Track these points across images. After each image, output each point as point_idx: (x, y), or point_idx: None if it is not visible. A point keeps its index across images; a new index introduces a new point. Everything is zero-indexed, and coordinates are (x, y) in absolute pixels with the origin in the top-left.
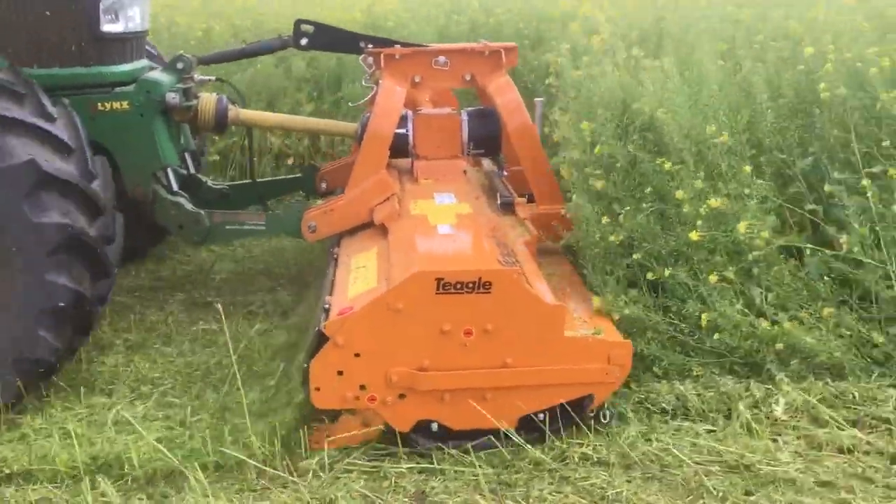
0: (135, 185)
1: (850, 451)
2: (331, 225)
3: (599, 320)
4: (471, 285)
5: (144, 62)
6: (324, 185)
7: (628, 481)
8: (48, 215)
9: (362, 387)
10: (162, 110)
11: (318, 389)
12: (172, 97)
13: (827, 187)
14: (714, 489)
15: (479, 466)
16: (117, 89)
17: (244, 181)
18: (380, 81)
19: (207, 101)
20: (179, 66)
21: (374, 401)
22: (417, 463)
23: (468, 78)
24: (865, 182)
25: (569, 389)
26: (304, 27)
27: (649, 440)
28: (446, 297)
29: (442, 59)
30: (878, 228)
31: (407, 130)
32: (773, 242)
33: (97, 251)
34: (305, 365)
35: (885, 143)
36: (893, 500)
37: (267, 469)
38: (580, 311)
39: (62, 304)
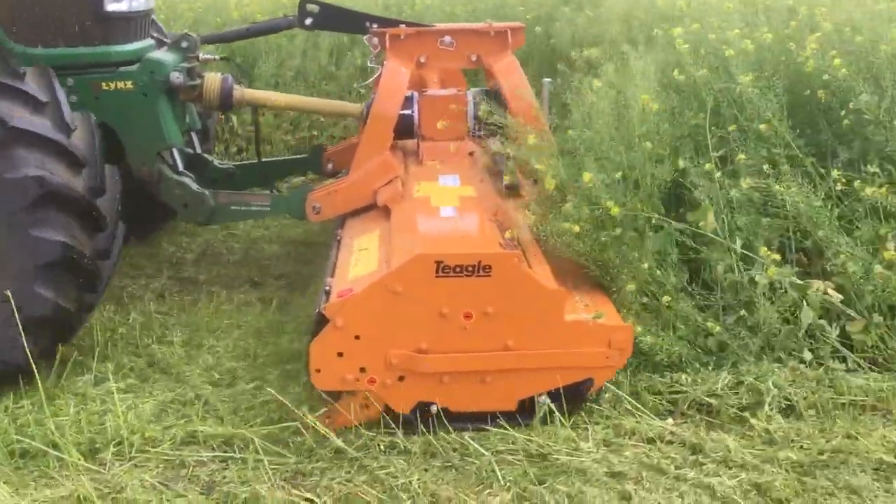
0: (140, 164)
1: (652, 441)
2: (334, 206)
3: (601, 304)
4: (470, 268)
5: (149, 41)
6: (330, 166)
7: (426, 470)
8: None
9: (362, 369)
10: (166, 90)
11: (318, 371)
12: (176, 77)
13: (681, 163)
14: (504, 478)
15: (282, 455)
16: (121, 69)
17: (251, 161)
18: (384, 62)
19: (212, 80)
20: (184, 45)
21: (373, 383)
22: (213, 451)
23: (474, 58)
24: (709, 165)
25: (569, 373)
26: (310, 6)
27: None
28: (446, 280)
29: (447, 39)
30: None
31: (412, 111)
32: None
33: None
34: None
35: (732, 127)
36: (677, 490)
37: (65, 457)
38: (582, 295)
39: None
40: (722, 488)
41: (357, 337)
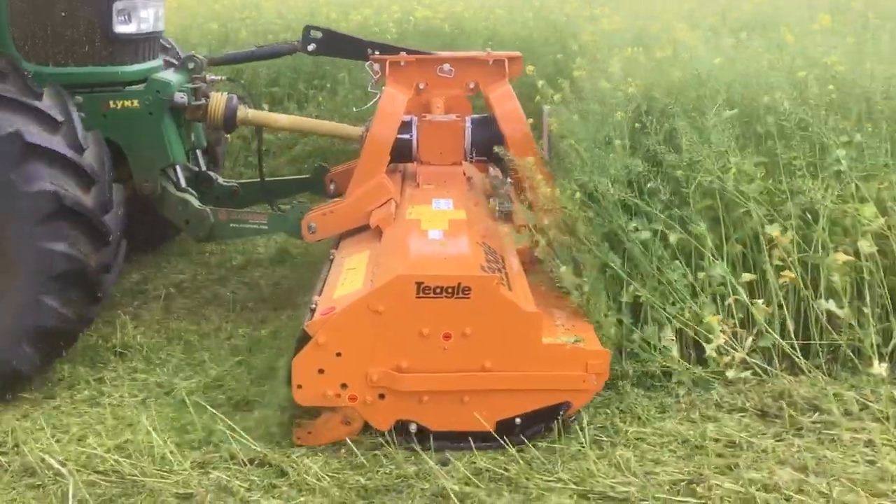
0: (143, 180)
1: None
2: (330, 226)
3: (581, 329)
4: (450, 290)
5: (157, 62)
6: (332, 187)
7: None
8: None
9: (343, 385)
10: (171, 109)
11: (300, 387)
12: (181, 97)
13: None
14: None
15: None
16: (128, 88)
17: (254, 179)
18: (384, 88)
19: (217, 100)
20: (190, 66)
21: (354, 400)
22: None
23: (472, 86)
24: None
25: (546, 395)
26: (314, 33)
27: None
28: (426, 301)
29: (447, 66)
30: None
31: (411, 136)
32: None
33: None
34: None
35: None
36: None
37: None
38: (564, 320)
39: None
40: None
41: (338, 354)
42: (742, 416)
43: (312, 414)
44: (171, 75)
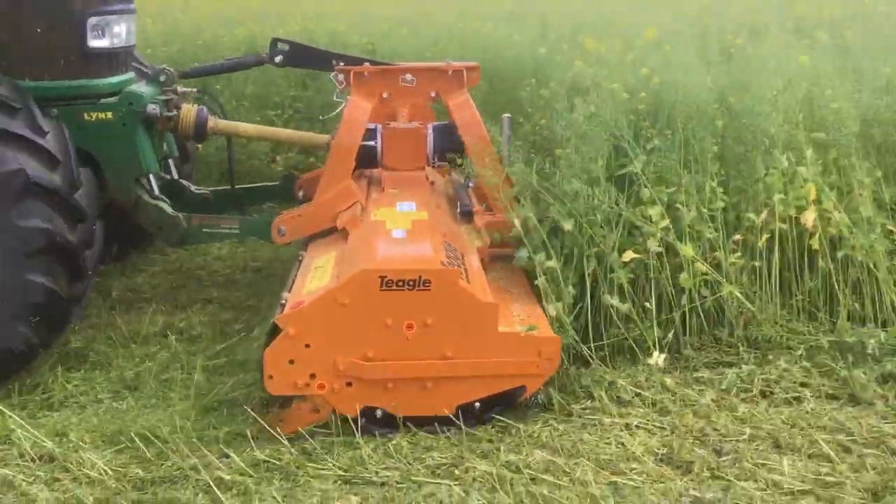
0: (117, 189)
1: None
2: (298, 229)
3: (535, 318)
4: (412, 283)
5: (130, 75)
6: (301, 193)
7: None
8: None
9: (312, 375)
10: (144, 120)
11: (271, 377)
12: (153, 108)
13: None
14: None
15: None
16: (102, 101)
17: (225, 187)
18: (348, 97)
19: (188, 111)
20: (162, 78)
21: (323, 388)
22: None
23: (433, 94)
24: None
25: (503, 380)
26: (280, 45)
27: None
28: (389, 293)
29: (409, 77)
30: None
31: (376, 143)
32: None
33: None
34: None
35: None
36: None
37: None
38: (521, 311)
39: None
40: None
41: (307, 345)
42: (523, 406)
43: None
44: (143, 88)
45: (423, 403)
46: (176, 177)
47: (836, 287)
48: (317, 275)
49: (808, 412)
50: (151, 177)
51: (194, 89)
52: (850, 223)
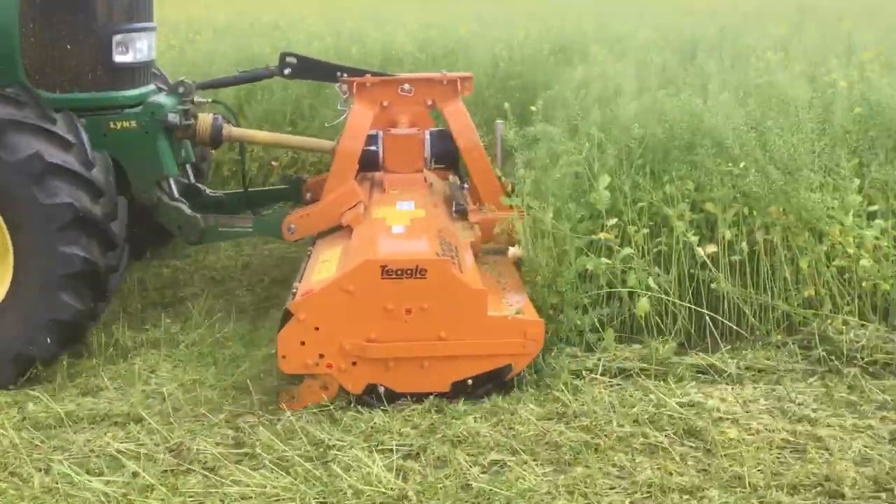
0: (140, 191)
1: None
2: (307, 227)
3: (522, 303)
4: (409, 271)
5: (151, 87)
6: (309, 195)
7: None
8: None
9: (321, 355)
10: (164, 128)
11: (284, 357)
12: (173, 117)
13: None
14: None
15: None
16: (126, 111)
17: (238, 190)
18: (351, 106)
19: (204, 119)
20: (181, 90)
21: (331, 367)
22: None
23: (430, 103)
24: None
25: (492, 360)
26: (289, 59)
27: None
28: (390, 281)
29: (407, 86)
30: None
31: (377, 148)
32: None
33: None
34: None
35: None
36: None
37: None
38: (510, 298)
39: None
40: None
41: (317, 328)
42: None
43: None
44: (164, 98)
45: (421, 381)
46: (193, 181)
47: None
48: (324, 267)
49: None
50: (171, 180)
51: (209, 100)
52: None
